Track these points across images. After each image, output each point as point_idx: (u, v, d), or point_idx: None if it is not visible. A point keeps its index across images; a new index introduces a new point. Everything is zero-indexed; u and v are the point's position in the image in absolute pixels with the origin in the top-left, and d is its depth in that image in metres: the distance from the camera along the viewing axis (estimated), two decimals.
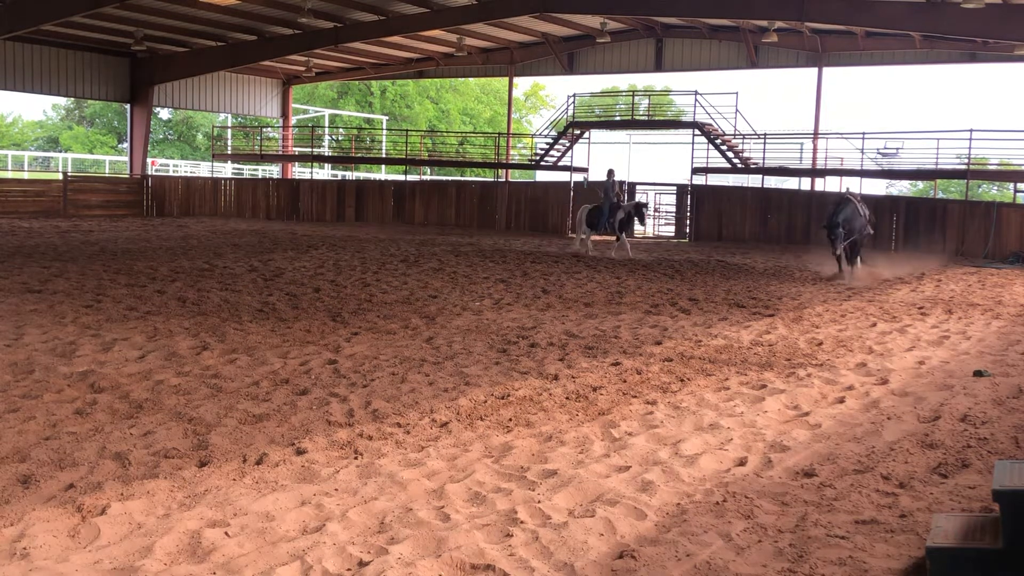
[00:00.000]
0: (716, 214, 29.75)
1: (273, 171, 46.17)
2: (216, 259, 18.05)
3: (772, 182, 31.74)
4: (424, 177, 44.17)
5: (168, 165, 51.51)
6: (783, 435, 6.39)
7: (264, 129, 46.81)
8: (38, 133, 66.79)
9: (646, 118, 37.17)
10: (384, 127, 53.56)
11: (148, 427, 6.26)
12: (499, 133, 40.64)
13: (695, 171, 31.17)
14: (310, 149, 41.75)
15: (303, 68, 38.18)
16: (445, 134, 47.33)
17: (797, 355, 9.48)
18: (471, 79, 59.38)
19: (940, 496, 5.16)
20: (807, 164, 30.76)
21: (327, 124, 51.50)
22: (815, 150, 31.03)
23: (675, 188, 31.56)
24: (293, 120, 45.27)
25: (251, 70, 38.22)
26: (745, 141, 31.32)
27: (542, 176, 41.27)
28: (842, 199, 18.12)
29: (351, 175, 50.18)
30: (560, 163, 34.72)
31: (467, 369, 8.40)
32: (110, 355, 8.65)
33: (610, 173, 23.17)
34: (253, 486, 5.09)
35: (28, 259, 16.98)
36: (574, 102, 34.25)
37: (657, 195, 31.40)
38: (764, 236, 28.61)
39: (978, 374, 8.56)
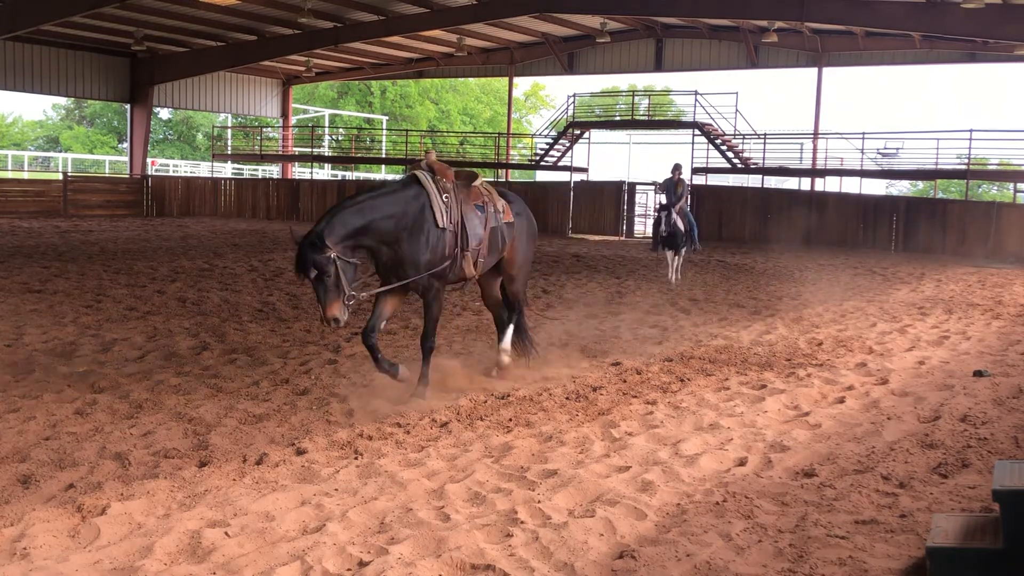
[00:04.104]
0: (716, 214, 29.73)
1: (273, 171, 46.16)
2: (216, 259, 18.04)
3: (772, 182, 31.74)
4: None
5: (168, 165, 51.49)
6: (783, 435, 6.39)
7: (264, 129, 46.81)
8: (38, 133, 66.77)
9: (646, 118, 37.19)
10: (384, 127, 53.56)
11: (148, 427, 6.25)
12: (499, 133, 40.64)
13: (695, 171, 31.16)
14: (310, 149, 41.74)
15: (303, 68, 38.18)
16: (445, 134, 47.32)
17: (797, 355, 9.47)
18: (471, 79, 59.35)
19: (940, 496, 5.16)
20: (807, 164, 30.77)
21: (327, 124, 51.48)
22: (815, 150, 31.04)
23: None
24: (293, 120, 45.27)
25: (251, 70, 38.23)
26: (745, 141, 31.32)
27: (542, 176, 41.28)
28: (406, 181, 7.48)
29: (351, 175, 50.16)
30: (560, 163, 34.73)
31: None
32: (110, 355, 8.65)
33: (675, 169, 17.11)
34: (253, 486, 5.08)
35: (28, 259, 16.98)
36: (574, 102, 34.27)
37: (657, 195, 31.39)
38: (764, 236, 28.60)
39: (978, 374, 8.56)
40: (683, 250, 16.41)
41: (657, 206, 17.43)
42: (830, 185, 32.49)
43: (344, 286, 6.70)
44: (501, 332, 8.39)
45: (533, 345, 8.76)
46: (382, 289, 7.33)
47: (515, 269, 8.38)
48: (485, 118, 63.81)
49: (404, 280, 7.22)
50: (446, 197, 7.40)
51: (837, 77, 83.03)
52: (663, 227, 16.02)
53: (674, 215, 16.11)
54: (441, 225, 7.28)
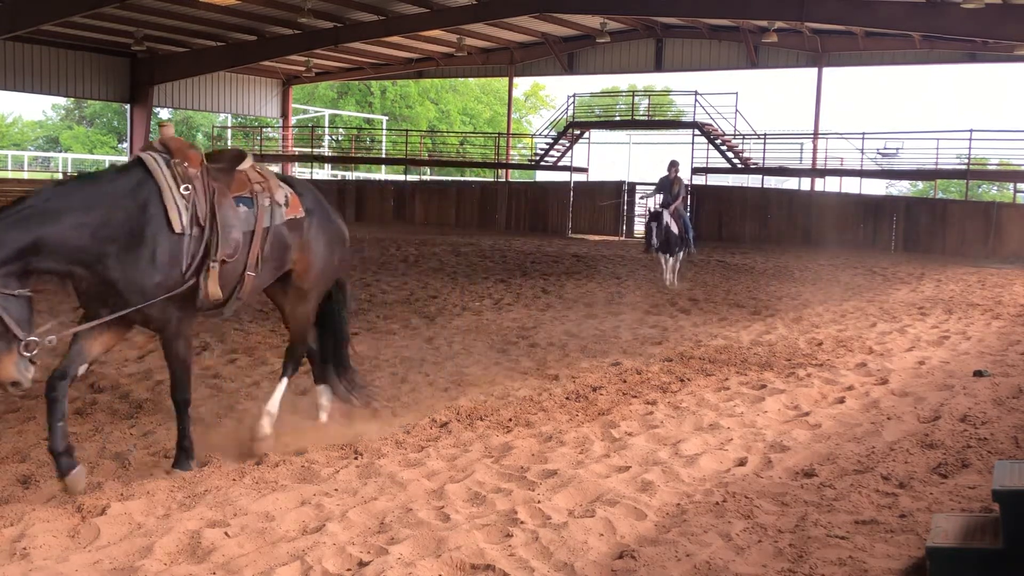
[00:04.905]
0: (716, 214, 29.74)
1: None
2: None
3: (772, 182, 31.74)
4: (424, 177, 44.19)
5: None
6: (783, 435, 6.39)
7: (264, 129, 46.81)
8: (38, 133, 66.76)
9: (646, 118, 37.21)
10: (384, 127, 53.56)
11: (148, 427, 6.26)
12: (499, 133, 40.64)
13: (695, 171, 31.17)
14: (310, 149, 41.74)
15: (303, 68, 38.19)
16: (445, 134, 47.32)
17: (797, 355, 9.47)
18: (471, 79, 59.32)
19: (940, 496, 5.16)
20: (807, 164, 30.79)
21: (327, 124, 51.49)
22: (815, 150, 31.06)
23: None
24: (293, 120, 45.27)
25: (251, 70, 38.25)
26: (745, 141, 31.33)
27: (542, 176, 41.30)
28: (124, 167, 5.38)
29: (351, 175, 50.16)
30: (560, 163, 34.73)
31: (467, 369, 8.40)
32: (110, 355, 8.63)
33: (672, 166, 16.47)
34: (253, 486, 5.08)
35: None
36: (574, 102, 34.28)
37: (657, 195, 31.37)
38: (764, 236, 28.60)
39: (978, 374, 8.56)
40: (679, 253, 15.93)
41: (649, 210, 16.63)
42: (830, 185, 32.50)
43: (14, 330, 4.61)
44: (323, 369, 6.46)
45: (351, 392, 6.56)
46: (86, 326, 5.06)
47: (308, 284, 6.03)
48: (485, 118, 63.77)
49: (123, 310, 4.99)
50: (186, 189, 5.15)
51: (837, 77, 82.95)
52: (653, 238, 15.43)
53: (666, 218, 15.43)
54: (179, 229, 5.07)
